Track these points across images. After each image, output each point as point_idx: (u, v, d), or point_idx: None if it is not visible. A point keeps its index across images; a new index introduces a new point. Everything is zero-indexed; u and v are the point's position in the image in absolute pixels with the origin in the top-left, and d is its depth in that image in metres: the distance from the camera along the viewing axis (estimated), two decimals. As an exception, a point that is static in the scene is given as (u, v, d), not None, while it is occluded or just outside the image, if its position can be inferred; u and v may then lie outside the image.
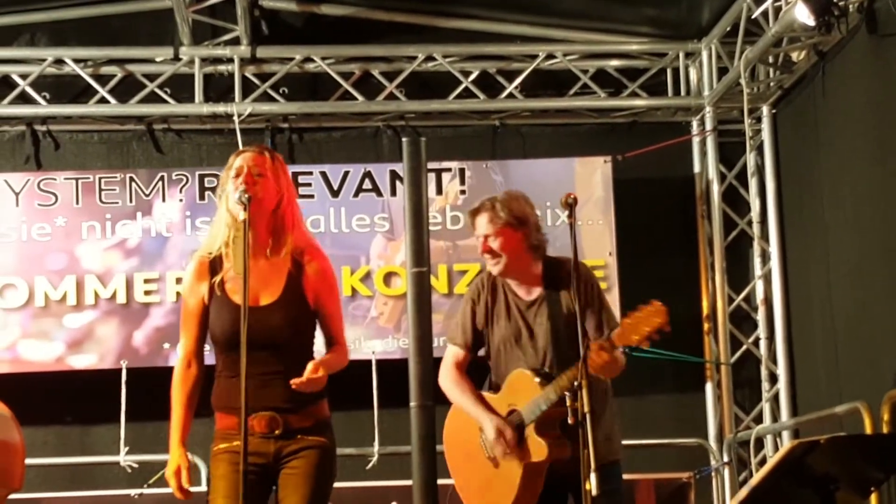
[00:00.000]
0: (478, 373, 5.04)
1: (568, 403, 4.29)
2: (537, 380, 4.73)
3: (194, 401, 4.31)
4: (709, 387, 8.08)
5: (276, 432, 4.16)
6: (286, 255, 4.31)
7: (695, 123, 8.29)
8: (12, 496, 4.77)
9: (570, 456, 4.42)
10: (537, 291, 4.92)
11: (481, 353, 5.07)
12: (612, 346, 4.55)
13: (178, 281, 7.42)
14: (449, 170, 7.98)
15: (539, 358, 4.84)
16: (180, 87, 8.06)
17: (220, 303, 4.27)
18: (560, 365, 4.71)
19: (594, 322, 4.79)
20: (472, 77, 8.18)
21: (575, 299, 4.55)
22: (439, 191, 7.94)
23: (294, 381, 4.08)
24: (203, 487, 6.27)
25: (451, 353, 5.05)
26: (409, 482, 5.65)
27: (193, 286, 4.34)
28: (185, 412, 4.28)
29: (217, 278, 4.29)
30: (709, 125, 8.16)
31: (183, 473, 4.20)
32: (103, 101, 8.01)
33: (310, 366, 4.12)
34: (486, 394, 4.94)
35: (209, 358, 4.37)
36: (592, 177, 7.95)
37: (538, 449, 4.70)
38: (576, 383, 4.34)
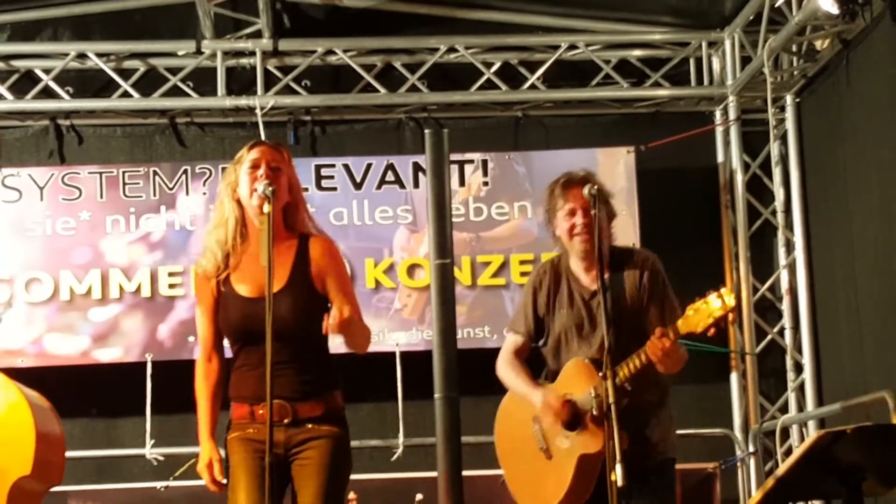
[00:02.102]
0: (534, 368, 4.93)
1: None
2: (595, 369, 4.55)
3: (219, 394, 4.31)
4: (734, 377, 8.06)
5: (286, 421, 4.14)
6: (290, 242, 4.33)
7: (718, 113, 8.26)
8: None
9: (626, 449, 4.22)
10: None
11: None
12: (675, 333, 4.42)
13: (203, 274, 7.44)
14: (472, 161, 7.98)
15: (598, 348, 4.59)
16: (203, 80, 8.08)
17: (226, 297, 4.28)
18: (619, 356, 4.49)
19: (656, 313, 4.65)
20: (495, 68, 8.16)
21: (600, 290, 4.49)
22: (462, 182, 7.93)
23: (329, 323, 3.99)
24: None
25: (510, 341, 4.89)
26: (433, 473, 5.66)
27: (202, 286, 4.34)
28: (211, 406, 4.29)
29: (222, 275, 4.28)
30: (732, 115, 8.13)
31: (216, 466, 4.21)
32: (126, 95, 8.03)
33: (334, 310, 4.03)
34: (542, 382, 4.78)
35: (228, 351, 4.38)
36: (616, 167, 7.93)
37: (593, 440, 4.52)
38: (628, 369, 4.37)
